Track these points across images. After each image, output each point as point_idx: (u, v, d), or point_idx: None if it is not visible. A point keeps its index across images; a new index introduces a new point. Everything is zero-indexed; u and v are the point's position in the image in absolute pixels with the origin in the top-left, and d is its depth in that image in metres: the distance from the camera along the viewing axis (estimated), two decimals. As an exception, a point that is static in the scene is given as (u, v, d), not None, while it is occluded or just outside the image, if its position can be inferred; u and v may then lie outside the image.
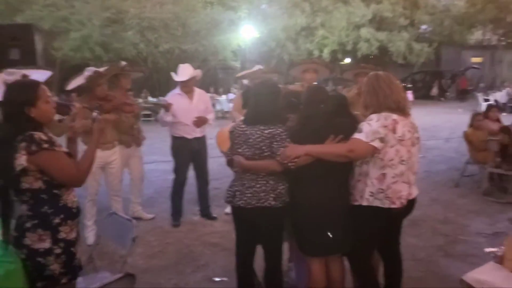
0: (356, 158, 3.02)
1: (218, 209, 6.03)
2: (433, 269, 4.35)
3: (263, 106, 3.16)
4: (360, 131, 2.93)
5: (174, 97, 5.57)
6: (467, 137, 7.23)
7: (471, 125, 7.30)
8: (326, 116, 3.14)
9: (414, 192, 3.14)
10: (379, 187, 2.97)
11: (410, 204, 3.15)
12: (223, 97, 20.36)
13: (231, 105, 17.32)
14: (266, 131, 3.07)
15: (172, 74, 5.58)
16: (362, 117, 3.44)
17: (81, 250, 2.62)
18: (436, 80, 28.03)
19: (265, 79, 4.37)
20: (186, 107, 5.48)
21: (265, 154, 3.08)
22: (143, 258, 4.63)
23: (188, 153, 5.61)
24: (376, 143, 2.89)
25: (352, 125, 3.10)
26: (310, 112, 3.19)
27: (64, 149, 2.36)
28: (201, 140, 5.68)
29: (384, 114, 2.96)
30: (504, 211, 5.95)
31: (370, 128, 2.91)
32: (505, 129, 6.61)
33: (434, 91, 27.38)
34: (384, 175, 2.96)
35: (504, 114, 17.79)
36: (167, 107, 5.41)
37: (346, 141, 2.99)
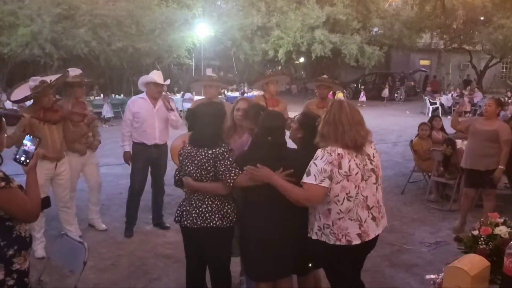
0: (313, 204, 2.98)
1: (170, 218, 5.95)
2: (378, 280, 4.53)
3: (207, 128, 3.23)
4: (309, 173, 2.86)
5: (138, 101, 5.58)
6: (413, 146, 7.55)
7: (417, 135, 7.61)
8: (273, 147, 3.18)
9: (372, 232, 2.98)
10: (325, 222, 2.94)
11: (371, 242, 3.04)
12: (178, 96, 20.10)
13: (186, 104, 17.26)
14: (209, 151, 3.17)
15: (152, 75, 5.52)
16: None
17: (30, 264, 2.54)
18: (386, 81, 28.83)
19: (210, 102, 4.42)
20: (149, 112, 5.48)
21: (211, 174, 3.16)
22: (94, 272, 4.58)
23: (146, 160, 5.59)
24: (326, 183, 2.83)
25: (304, 158, 3.02)
26: (259, 139, 3.26)
27: (17, 182, 2.31)
28: (161, 148, 5.62)
29: (328, 148, 2.88)
30: (446, 219, 6.26)
31: (316, 168, 2.84)
32: (448, 140, 6.92)
33: (385, 92, 28.15)
34: (329, 210, 2.91)
35: (449, 117, 18.65)
36: None
37: (296, 174, 2.96)
